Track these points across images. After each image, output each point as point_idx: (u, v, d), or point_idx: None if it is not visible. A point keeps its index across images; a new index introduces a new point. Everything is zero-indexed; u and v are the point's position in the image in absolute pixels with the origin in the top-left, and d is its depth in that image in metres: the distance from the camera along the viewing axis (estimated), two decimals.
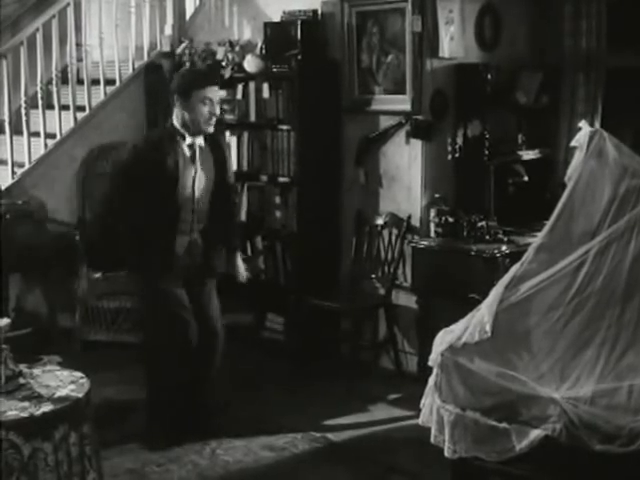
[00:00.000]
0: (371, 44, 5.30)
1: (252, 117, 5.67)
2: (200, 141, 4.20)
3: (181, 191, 4.12)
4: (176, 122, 4.17)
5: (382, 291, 5.35)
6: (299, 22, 5.39)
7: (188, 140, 4.15)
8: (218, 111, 4.21)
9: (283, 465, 4.15)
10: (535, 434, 3.31)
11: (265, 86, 5.53)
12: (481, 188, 5.14)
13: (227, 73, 5.70)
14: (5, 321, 3.58)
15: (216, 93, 4.17)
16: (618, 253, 3.56)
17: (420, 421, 3.68)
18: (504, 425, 3.37)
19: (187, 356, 4.20)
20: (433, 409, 3.57)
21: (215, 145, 4.29)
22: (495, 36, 5.39)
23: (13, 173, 5.99)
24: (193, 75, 4.45)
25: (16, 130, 6.04)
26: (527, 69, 5.44)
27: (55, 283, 5.94)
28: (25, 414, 3.21)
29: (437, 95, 5.14)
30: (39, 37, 5.97)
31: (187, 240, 4.20)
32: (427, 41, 5.06)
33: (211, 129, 4.18)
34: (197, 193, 4.19)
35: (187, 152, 4.16)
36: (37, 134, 6.05)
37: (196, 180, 4.18)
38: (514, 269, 3.71)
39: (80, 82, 6.28)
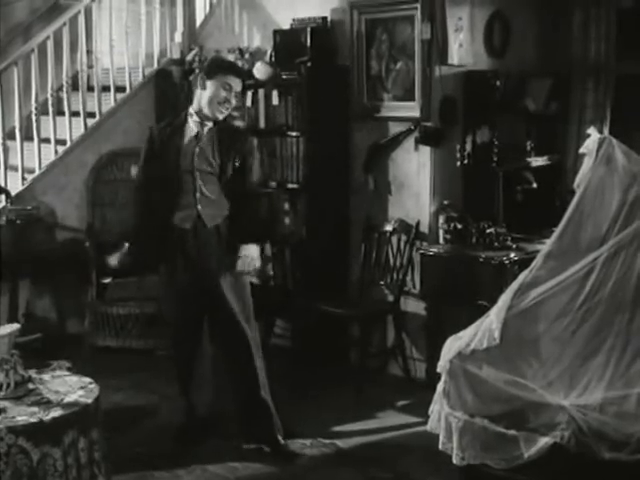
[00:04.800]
0: (380, 51, 5.32)
1: (261, 124, 5.68)
2: (209, 124, 4.25)
3: (182, 165, 4.21)
4: (192, 108, 4.27)
5: (391, 297, 5.34)
6: (309, 29, 5.40)
7: (195, 118, 4.24)
8: (234, 102, 4.27)
9: (291, 471, 4.14)
10: (543, 441, 3.30)
11: (274, 93, 5.54)
12: (490, 195, 5.14)
13: None
14: (15, 326, 3.60)
15: (238, 84, 4.25)
16: (627, 260, 3.55)
17: (428, 428, 3.68)
18: (512, 432, 3.37)
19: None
20: (441, 416, 3.57)
21: (227, 132, 4.33)
22: (504, 43, 5.40)
23: (23, 179, 6.01)
24: (223, 61, 4.64)
25: (27, 136, 6.08)
26: (536, 76, 5.44)
27: (65, 289, 5.97)
28: (34, 419, 3.22)
29: (446, 102, 5.14)
30: (50, 44, 6.00)
31: (190, 214, 4.22)
32: (436, 48, 5.07)
33: (220, 116, 4.24)
34: (198, 169, 4.22)
35: (193, 129, 4.24)
36: (47, 140, 6.08)
37: (197, 157, 4.23)
38: (523, 276, 3.70)
39: (90, 89, 6.31)
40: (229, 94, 4.20)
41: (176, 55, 6.41)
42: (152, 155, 4.29)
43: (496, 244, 4.93)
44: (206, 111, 4.21)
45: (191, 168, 4.21)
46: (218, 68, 4.28)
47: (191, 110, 4.26)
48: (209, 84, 4.20)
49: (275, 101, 5.55)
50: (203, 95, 4.21)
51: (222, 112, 4.23)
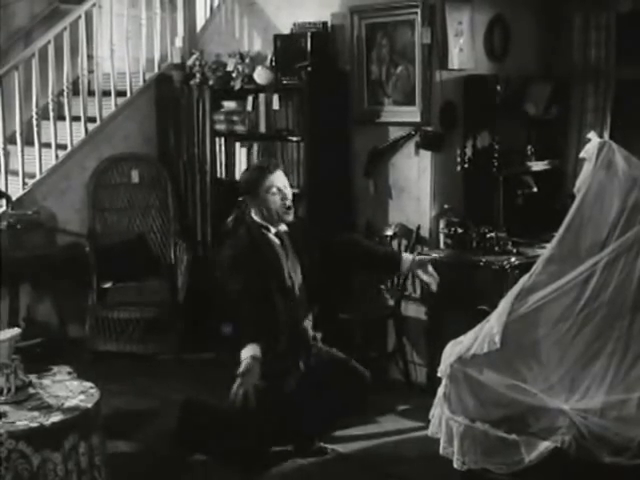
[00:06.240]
0: (381, 56, 5.32)
1: (262, 128, 5.68)
2: (283, 227, 4.16)
3: (285, 280, 4.08)
4: (256, 217, 4.12)
5: (391, 302, 5.34)
6: (309, 34, 5.40)
7: (273, 230, 4.12)
8: (289, 193, 4.11)
9: (291, 477, 4.13)
10: (544, 446, 3.31)
11: (275, 98, 5.55)
12: (490, 199, 5.14)
13: (237, 85, 5.74)
14: (15, 331, 3.60)
15: (279, 176, 4.11)
16: (627, 264, 3.55)
17: (429, 432, 3.68)
18: (513, 437, 3.37)
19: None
20: (442, 420, 3.57)
21: (296, 229, 4.21)
22: (504, 47, 5.40)
23: (24, 184, 6.01)
24: (249, 177, 4.24)
25: (27, 141, 6.07)
26: (536, 80, 5.44)
27: (65, 293, 5.96)
28: (35, 424, 3.22)
29: (446, 106, 5.14)
30: (51, 49, 6.01)
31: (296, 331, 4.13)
32: (436, 52, 5.08)
33: (289, 217, 4.12)
34: (295, 281, 4.13)
35: (276, 241, 4.12)
36: (48, 145, 6.08)
37: (290, 266, 4.12)
38: (523, 280, 3.70)
39: (91, 93, 6.31)
40: (281, 194, 4.06)
41: (177, 60, 6.41)
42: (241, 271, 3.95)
43: (496, 249, 4.93)
44: (276, 219, 4.08)
45: (290, 282, 4.10)
46: (252, 184, 4.09)
47: (260, 221, 4.09)
48: (259, 202, 4.06)
49: (276, 106, 5.55)
50: (263, 211, 4.07)
51: (289, 213, 4.09)
